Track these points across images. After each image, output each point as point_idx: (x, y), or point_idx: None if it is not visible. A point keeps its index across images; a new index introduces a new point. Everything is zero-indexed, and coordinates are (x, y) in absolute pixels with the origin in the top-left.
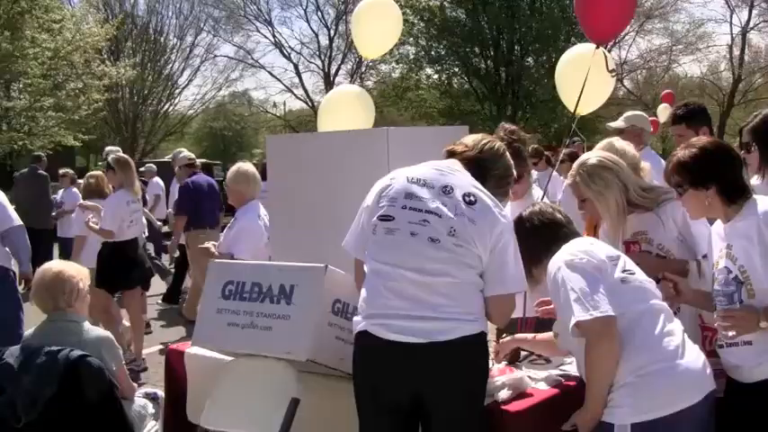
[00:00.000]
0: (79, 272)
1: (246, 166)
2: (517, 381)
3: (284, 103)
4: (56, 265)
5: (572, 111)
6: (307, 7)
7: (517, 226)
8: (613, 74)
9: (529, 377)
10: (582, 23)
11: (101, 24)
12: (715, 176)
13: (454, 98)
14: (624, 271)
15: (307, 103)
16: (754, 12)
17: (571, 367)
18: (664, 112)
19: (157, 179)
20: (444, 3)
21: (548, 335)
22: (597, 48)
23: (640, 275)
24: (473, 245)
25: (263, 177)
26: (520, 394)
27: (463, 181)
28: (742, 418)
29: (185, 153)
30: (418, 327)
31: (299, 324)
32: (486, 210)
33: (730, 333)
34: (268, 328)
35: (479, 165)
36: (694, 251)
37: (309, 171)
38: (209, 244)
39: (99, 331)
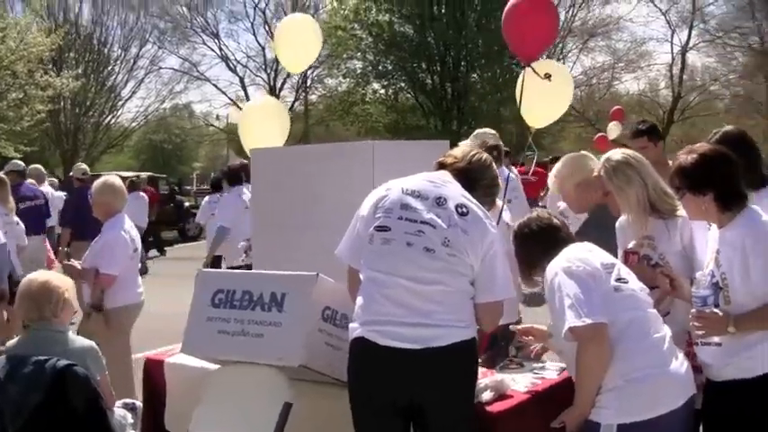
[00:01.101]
0: (64, 282)
1: (113, 178)
2: (498, 383)
3: (227, 117)
4: (41, 275)
5: (531, 126)
6: (254, 20)
7: (516, 232)
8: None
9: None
10: (509, 44)
11: (46, 34)
12: (712, 183)
13: (400, 113)
14: (618, 279)
15: None
16: (694, 32)
17: (545, 371)
18: (614, 129)
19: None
20: (393, 18)
21: None
22: (527, 66)
23: (633, 284)
24: (466, 254)
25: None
26: (501, 395)
27: (455, 192)
28: (716, 418)
29: (83, 166)
30: (413, 333)
31: (291, 331)
32: (477, 220)
33: (699, 333)
34: (259, 335)
35: (468, 176)
36: (692, 269)
37: (295, 183)
38: (74, 262)
39: (84, 341)
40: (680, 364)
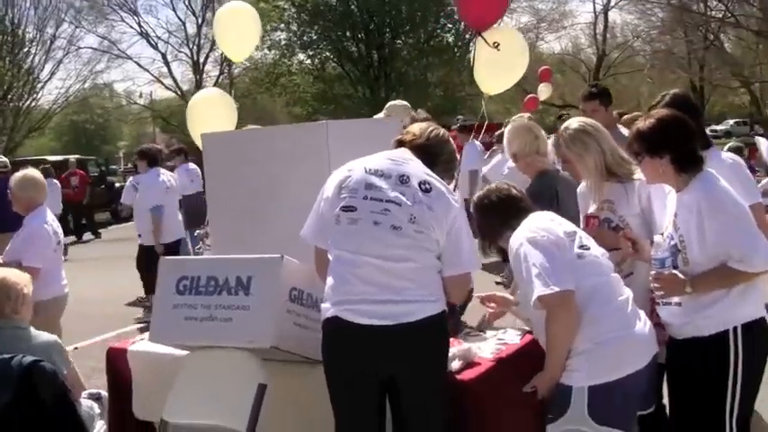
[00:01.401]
0: (21, 278)
1: (33, 172)
2: (465, 351)
3: (150, 94)
4: None
5: (485, 93)
6: None
7: (476, 203)
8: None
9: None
10: (461, 14)
11: None
12: (668, 146)
13: (327, 82)
14: (581, 247)
15: (176, 93)
16: None
17: (506, 336)
18: (544, 90)
19: None
20: None
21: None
22: (479, 35)
23: (595, 250)
24: (432, 230)
25: None
26: (469, 363)
27: (417, 169)
28: (679, 372)
29: (3, 159)
30: (386, 310)
31: (260, 313)
32: (440, 196)
33: (659, 294)
34: (228, 320)
35: (428, 152)
36: (651, 230)
37: (250, 167)
38: None
39: (47, 336)
40: (643, 324)
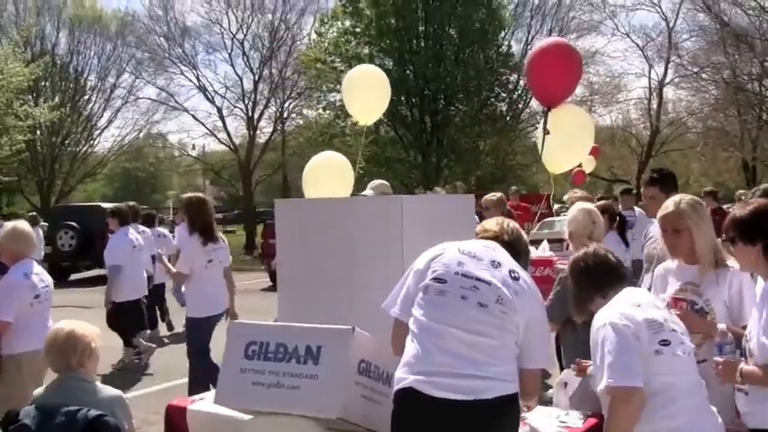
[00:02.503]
0: (91, 331)
1: (22, 224)
2: None
3: (203, 147)
4: (67, 324)
5: (551, 173)
6: (232, 51)
7: (572, 264)
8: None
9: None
10: (532, 91)
11: (24, 64)
12: (762, 233)
13: (380, 145)
14: (662, 342)
15: (229, 147)
16: (670, 66)
17: (569, 418)
18: (589, 163)
19: None
20: (372, 51)
21: None
22: (548, 111)
23: (675, 347)
24: (515, 314)
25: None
26: None
27: (507, 259)
28: None
29: None
30: (464, 384)
31: (329, 383)
32: (527, 286)
33: (719, 379)
34: (296, 388)
35: (512, 247)
36: (737, 320)
37: (321, 235)
38: None
39: (111, 390)
40: (711, 427)
